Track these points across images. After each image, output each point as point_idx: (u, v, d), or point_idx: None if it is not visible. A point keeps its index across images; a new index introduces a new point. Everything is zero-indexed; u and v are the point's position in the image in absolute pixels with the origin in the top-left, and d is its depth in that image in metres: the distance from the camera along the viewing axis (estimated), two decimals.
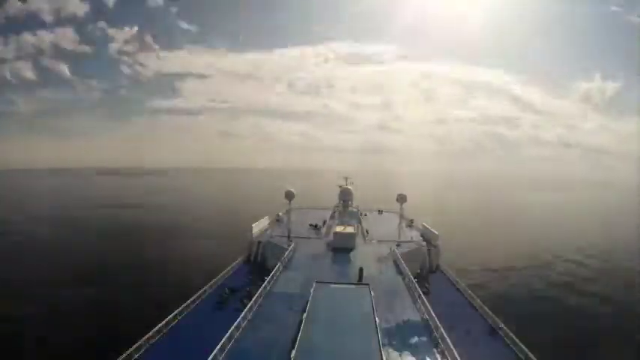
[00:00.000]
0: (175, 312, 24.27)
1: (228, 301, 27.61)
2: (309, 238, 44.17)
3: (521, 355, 20.80)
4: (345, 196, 63.36)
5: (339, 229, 42.31)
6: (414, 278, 30.50)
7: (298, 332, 19.55)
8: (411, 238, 43.75)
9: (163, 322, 22.74)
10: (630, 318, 42.39)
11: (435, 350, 19.66)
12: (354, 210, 61.64)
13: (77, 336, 33.45)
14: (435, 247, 41.09)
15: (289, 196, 43.88)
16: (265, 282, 27.83)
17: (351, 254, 37.99)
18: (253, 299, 24.66)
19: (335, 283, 27.82)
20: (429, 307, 23.55)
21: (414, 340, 20.83)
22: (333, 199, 66.22)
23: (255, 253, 40.20)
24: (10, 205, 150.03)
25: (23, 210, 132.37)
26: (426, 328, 22.07)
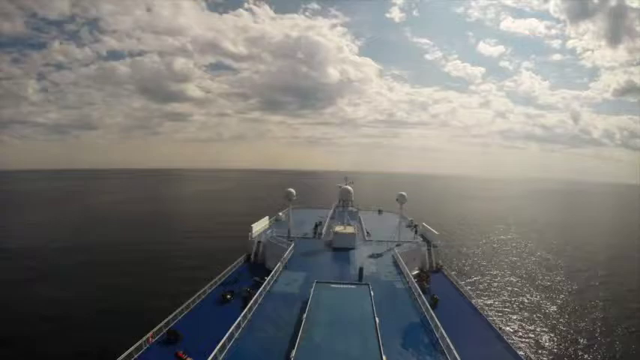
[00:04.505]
0: (175, 312, 24.29)
1: (229, 300, 27.62)
2: (309, 238, 44.21)
3: (521, 355, 20.79)
4: (345, 196, 63.57)
5: (339, 229, 42.39)
6: (414, 278, 30.58)
7: (298, 332, 19.57)
8: (411, 238, 43.80)
9: (163, 322, 22.73)
10: None
11: (434, 350, 19.65)
12: (354, 210, 61.67)
13: None
14: (435, 247, 41.22)
15: (289, 196, 43.92)
16: (265, 282, 27.83)
17: (351, 254, 38.03)
18: (253, 299, 24.66)
19: (335, 283, 27.82)
20: (429, 307, 23.58)
21: (414, 339, 20.81)
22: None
23: (255, 253, 40.24)
24: None
25: None
26: (425, 327, 22.08)
